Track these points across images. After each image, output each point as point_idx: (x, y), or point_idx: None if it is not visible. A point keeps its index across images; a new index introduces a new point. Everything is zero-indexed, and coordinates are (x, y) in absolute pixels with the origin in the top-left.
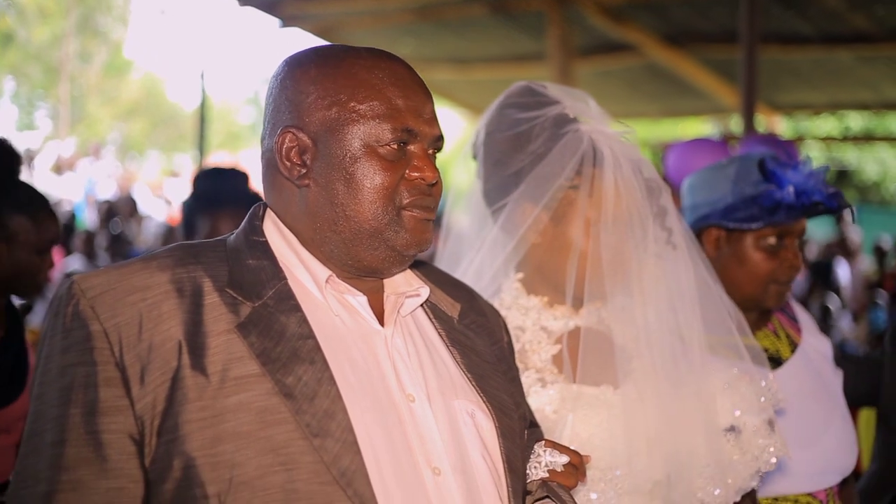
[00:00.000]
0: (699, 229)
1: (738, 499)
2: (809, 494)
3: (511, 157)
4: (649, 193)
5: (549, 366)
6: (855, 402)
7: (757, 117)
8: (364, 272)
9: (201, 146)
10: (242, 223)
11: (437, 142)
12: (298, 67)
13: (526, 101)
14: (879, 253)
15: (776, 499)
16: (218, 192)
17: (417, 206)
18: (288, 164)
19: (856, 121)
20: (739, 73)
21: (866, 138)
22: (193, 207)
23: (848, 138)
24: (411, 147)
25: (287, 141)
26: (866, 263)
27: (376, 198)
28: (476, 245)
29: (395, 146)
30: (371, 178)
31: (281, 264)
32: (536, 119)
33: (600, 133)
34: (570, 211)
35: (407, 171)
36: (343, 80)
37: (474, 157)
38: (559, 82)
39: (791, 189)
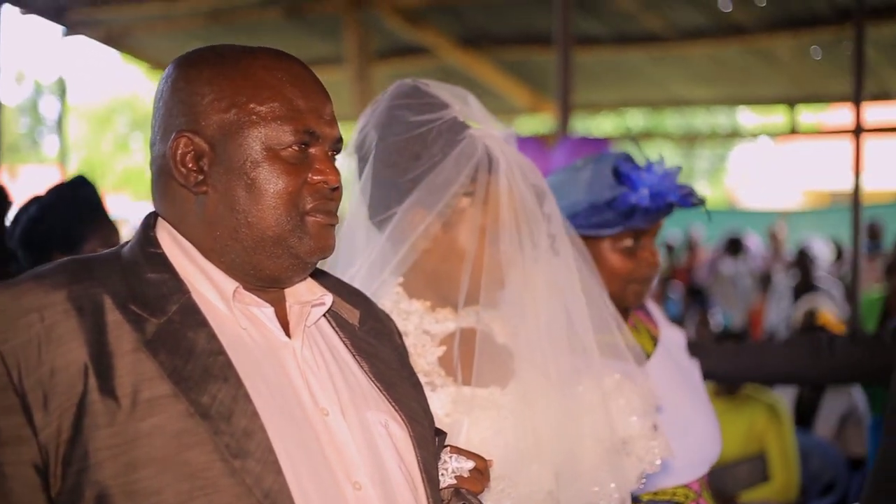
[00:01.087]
0: None
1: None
2: (685, 486)
3: (405, 162)
4: (537, 199)
5: (437, 368)
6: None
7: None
8: (265, 282)
9: None
10: (135, 234)
11: (337, 143)
12: (192, 68)
13: (417, 103)
14: (668, 249)
15: (655, 493)
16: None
17: (321, 210)
18: (183, 170)
19: (635, 119)
20: (555, 75)
21: (647, 135)
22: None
23: (633, 137)
24: (312, 150)
25: (182, 146)
26: None
27: (279, 203)
28: (360, 254)
29: (297, 149)
30: (273, 182)
31: (182, 277)
32: (432, 123)
33: (492, 138)
34: (462, 218)
35: (309, 175)
36: (241, 80)
37: (361, 159)
38: (356, 86)
39: (646, 192)
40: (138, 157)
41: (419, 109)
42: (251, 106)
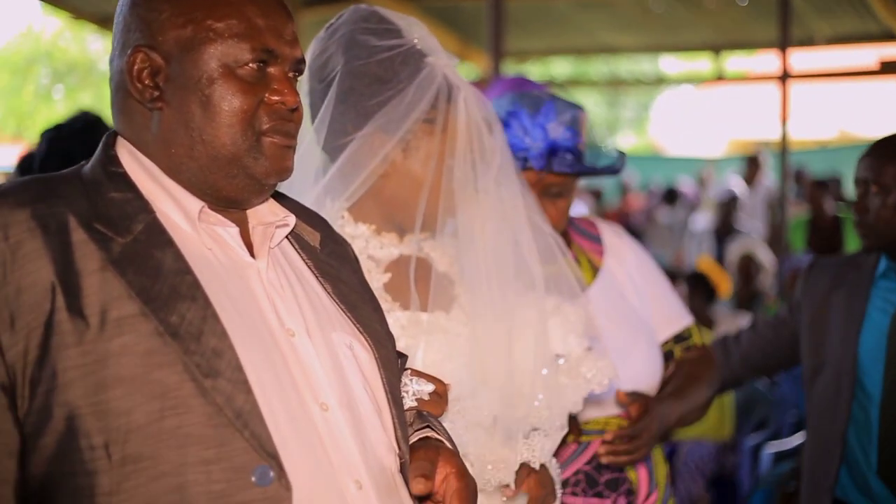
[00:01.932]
0: None
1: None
2: (619, 416)
3: (371, 87)
4: (489, 131)
5: (383, 293)
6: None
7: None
8: (224, 202)
9: None
10: (96, 153)
11: (299, 65)
12: None
13: (380, 28)
14: (596, 195)
15: (587, 423)
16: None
17: (278, 131)
18: (139, 86)
19: (562, 67)
20: (485, 22)
21: (573, 83)
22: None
23: (559, 84)
24: (271, 69)
25: (138, 61)
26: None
27: (234, 122)
28: (311, 178)
29: (255, 67)
30: (229, 100)
31: (145, 196)
32: (397, 49)
33: (450, 68)
34: (421, 145)
35: (266, 95)
36: None
37: (322, 82)
38: None
39: (540, 146)
40: (61, 108)
41: (382, 34)
42: (208, 22)
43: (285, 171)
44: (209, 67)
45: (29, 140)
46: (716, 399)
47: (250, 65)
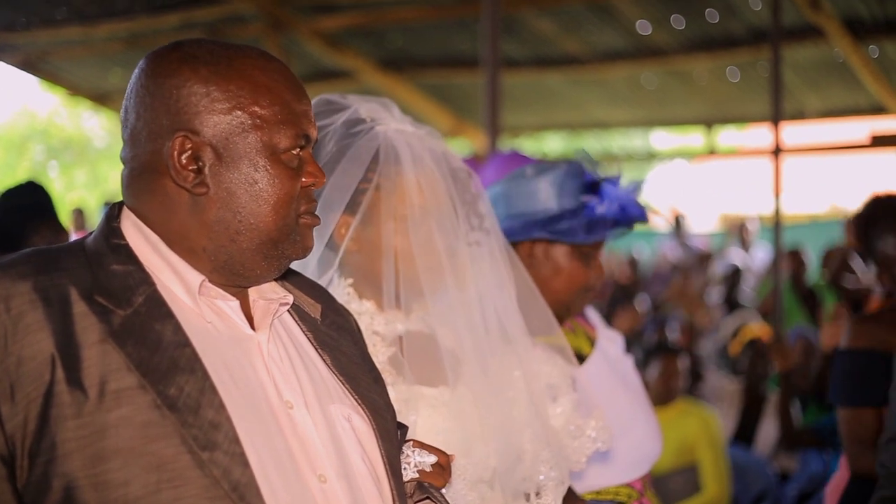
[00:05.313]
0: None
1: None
2: (628, 485)
3: None
4: (456, 182)
5: (388, 367)
6: None
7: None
8: (245, 280)
9: None
10: (98, 225)
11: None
12: (184, 64)
13: (319, 111)
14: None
15: (598, 492)
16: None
17: (310, 213)
18: (182, 171)
19: (554, 142)
20: (481, 97)
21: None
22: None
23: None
24: (303, 153)
25: (178, 145)
26: None
27: (281, 206)
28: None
29: (295, 153)
30: (277, 186)
31: (147, 269)
32: (328, 126)
33: (396, 131)
34: (376, 212)
35: (302, 178)
36: (240, 81)
37: None
38: None
39: (615, 205)
40: (56, 185)
41: (319, 116)
42: (254, 109)
43: (309, 250)
44: (256, 153)
45: None
46: (714, 472)
47: (292, 150)
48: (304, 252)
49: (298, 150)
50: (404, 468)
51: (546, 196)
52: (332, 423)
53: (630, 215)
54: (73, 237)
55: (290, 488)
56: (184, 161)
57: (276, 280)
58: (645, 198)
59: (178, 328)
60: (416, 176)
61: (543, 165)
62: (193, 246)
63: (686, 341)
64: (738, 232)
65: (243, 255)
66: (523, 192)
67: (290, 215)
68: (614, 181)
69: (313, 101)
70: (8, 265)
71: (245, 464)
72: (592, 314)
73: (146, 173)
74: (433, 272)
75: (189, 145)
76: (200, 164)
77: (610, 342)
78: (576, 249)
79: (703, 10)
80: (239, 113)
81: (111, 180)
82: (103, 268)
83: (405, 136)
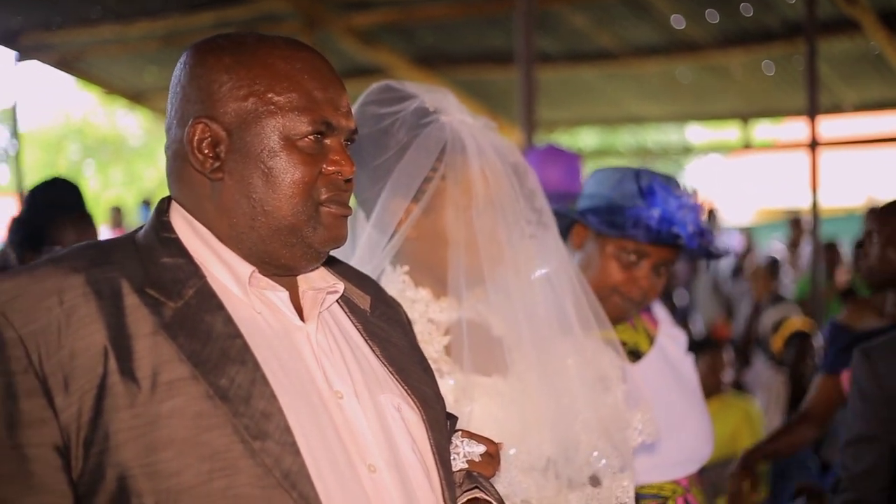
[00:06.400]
0: (571, 221)
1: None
2: (674, 482)
3: (375, 153)
4: (517, 176)
5: (444, 356)
6: None
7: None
8: (279, 269)
9: None
10: (149, 219)
11: (353, 135)
12: (210, 54)
13: (385, 98)
14: None
15: (642, 487)
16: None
17: (335, 201)
18: (200, 156)
19: (589, 137)
20: (517, 93)
21: (600, 153)
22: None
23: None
24: (328, 140)
25: (199, 132)
26: None
27: (295, 193)
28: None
29: (313, 139)
30: (290, 172)
31: (196, 261)
32: (397, 113)
33: (461, 122)
34: (440, 201)
35: (324, 166)
36: (259, 69)
37: None
38: None
39: (657, 212)
40: (92, 184)
41: (387, 103)
42: (269, 95)
43: (341, 240)
44: (270, 139)
45: None
46: (753, 466)
47: (309, 137)
48: (333, 242)
49: (317, 136)
50: (453, 458)
51: (608, 187)
52: (381, 412)
53: (668, 230)
54: (110, 235)
55: (341, 477)
56: (203, 147)
57: (327, 269)
58: (704, 214)
59: (228, 320)
60: (481, 167)
61: (640, 169)
62: (222, 234)
63: (723, 333)
64: (791, 226)
65: (264, 242)
66: (601, 180)
67: (307, 202)
68: (673, 194)
69: (374, 87)
70: (60, 259)
71: (296, 453)
72: (660, 311)
73: (177, 161)
74: (494, 262)
75: (208, 132)
76: (218, 150)
77: (671, 340)
78: (621, 251)
79: (737, 3)
80: (254, 99)
81: (146, 178)
82: (154, 261)
83: (468, 127)
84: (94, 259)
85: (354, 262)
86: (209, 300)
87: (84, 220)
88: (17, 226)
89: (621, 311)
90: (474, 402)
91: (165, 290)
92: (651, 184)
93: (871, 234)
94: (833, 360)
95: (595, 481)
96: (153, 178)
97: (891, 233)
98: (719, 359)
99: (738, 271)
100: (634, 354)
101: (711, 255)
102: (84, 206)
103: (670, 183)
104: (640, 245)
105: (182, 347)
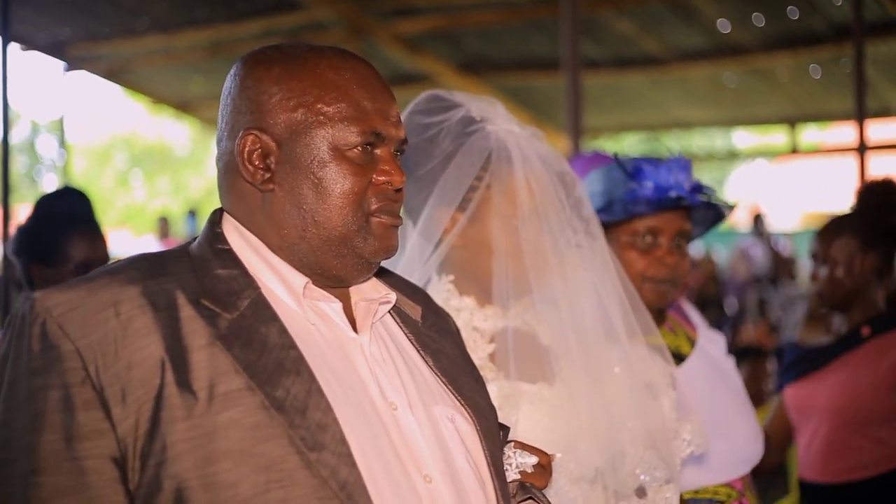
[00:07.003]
0: None
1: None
2: (727, 484)
3: (421, 162)
4: (563, 186)
5: (488, 363)
6: None
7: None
8: (331, 280)
9: None
10: (202, 230)
11: (402, 144)
12: (260, 66)
13: (432, 107)
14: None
15: (696, 491)
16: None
17: (385, 211)
18: (251, 167)
19: (634, 143)
20: (563, 99)
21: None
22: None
23: None
24: (377, 150)
25: (249, 143)
26: None
27: (345, 203)
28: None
29: (363, 149)
30: (340, 182)
31: (250, 273)
32: (443, 123)
33: (507, 131)
34: (485, 210)
35: (374, 176)
36: (308, 80)
37: None
38: None
39: (650, 184)
40: (139, 194)
41: (433, 112)
42: (318, 106)
43: (392, 250)
44: (320, 150)
45: (106, 226)
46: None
47: (359, 147)
48: (384, 252)
49: (367, 147)
50: (506, 469)
51: (599, 188)
52: (436, 423)
53: (666, 196)
54: (158, 245)
55: (397, 488)
56: (253, 158)
57: (378, 279)
58: (697, 176)
59: (283, 331)
60: (526, 176)
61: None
62: (274, 245)
63: (767, 340)
64: None
65: (315, 253)
66: (589, 186)
67: (357, 212)
68: (657, 163)
69: (421, 97)
70: (116, 270)
71: (352, 464)
72: (695, 315)
73: (229, 173)
74: (540, 271)
75: (258, 144)
76: (269, 161)
77: (711, 343)
78: (634, 237)
79: (783, 6)
80: (304, 110)
81: (193, 188)
82: (208, 272)
83: (514, 136)
84: (150, 271)
85: (400, 271)
86: (264, 311)
87: (94, 231)
88: (24, 236)
89: (659, 295)
90: (519, 409)
91: (220, 301)
92: (635, 164)
93: (817, 258)
94: (780, 377)
95: (641, 493)
96: (200, 187)
97: (836, 254)
98: (762, 367)
99: (776, 278)
100: (677, 358)
101: (716, 209)
102: (94, 217)
103: (652, 157)
104: (648, 222)
105: (238, 358)
